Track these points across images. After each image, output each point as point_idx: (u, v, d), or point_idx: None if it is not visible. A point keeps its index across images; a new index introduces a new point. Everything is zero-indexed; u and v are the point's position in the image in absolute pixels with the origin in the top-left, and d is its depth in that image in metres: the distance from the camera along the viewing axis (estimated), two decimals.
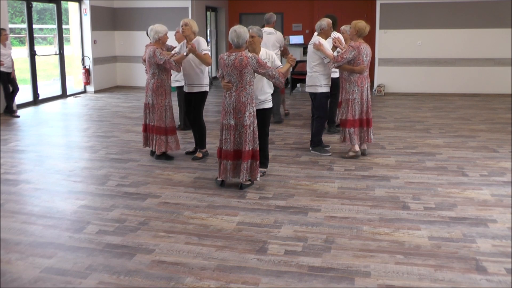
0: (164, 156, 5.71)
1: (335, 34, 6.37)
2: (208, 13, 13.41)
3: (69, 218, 3.96)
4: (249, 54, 4.43)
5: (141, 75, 12.15)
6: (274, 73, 4.45)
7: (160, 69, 5.43)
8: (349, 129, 5.59)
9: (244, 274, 3.05)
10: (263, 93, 4.83)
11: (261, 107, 4.82)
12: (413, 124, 7.67)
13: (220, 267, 3.14)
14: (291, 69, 5.83)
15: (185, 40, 5.61)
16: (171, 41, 6.48)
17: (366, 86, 5.59)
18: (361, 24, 5.46)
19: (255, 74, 4.55)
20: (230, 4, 14.68)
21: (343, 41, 6.32)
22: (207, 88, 5.71)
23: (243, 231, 3.71)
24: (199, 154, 5.77)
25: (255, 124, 4.56)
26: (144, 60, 5.97)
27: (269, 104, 4.90)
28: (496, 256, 3.26)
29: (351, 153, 5.68)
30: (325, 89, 5.79)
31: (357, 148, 5.66)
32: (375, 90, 10.98)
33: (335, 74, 6.53)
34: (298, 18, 14.37)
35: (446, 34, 10.60)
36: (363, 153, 5.82)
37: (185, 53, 5.34)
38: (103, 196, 4.51)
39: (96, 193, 4.59)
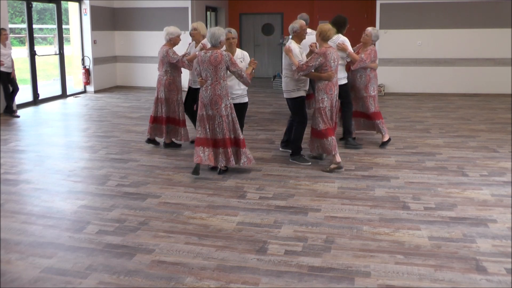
0: (172, 144, 6.19)
1: (339, 38, 5.78)
2: (208, 13, 13.41)
3: (69, 218, 3.97)
4: (224, 52, 4.85)
5: (141, 75, 12.18)
6: (242, 73, 4.92)
7: (172, 67, 5.88)
8: (331, 137, 5.14)
9: (244, 274, 3.05)
10: (238, 88, 5.34)
11: (237, 101, 5.33)
12: (413, 124, 7.66)
13: (220, 267, 3.14)
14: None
15: (194, 42, 6.05)
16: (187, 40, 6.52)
17: (335, 93, 5.21)
18: (324, 26, 5.05)
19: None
20: (230, 4, 14.67)
21: (348, 46, 5.80)
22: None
23: (243, 231, 3.71)
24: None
25: (234, 115, 4.99)
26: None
27: (245, 99, 5.47)
28: (496, 256, 3.26)
29: (333, 166, 5.19)
30: (299, 93, 5.36)
31: (338, 158, 5.19)
32: None
33: (343, 80, 5.90)
34: None
35: (446, 34, 10.59)
36: (320, 157, 5.56)
37: (197, 52, 5.42)
38: (103, 196, 4.51)
39: (96, 193, 4.59)
